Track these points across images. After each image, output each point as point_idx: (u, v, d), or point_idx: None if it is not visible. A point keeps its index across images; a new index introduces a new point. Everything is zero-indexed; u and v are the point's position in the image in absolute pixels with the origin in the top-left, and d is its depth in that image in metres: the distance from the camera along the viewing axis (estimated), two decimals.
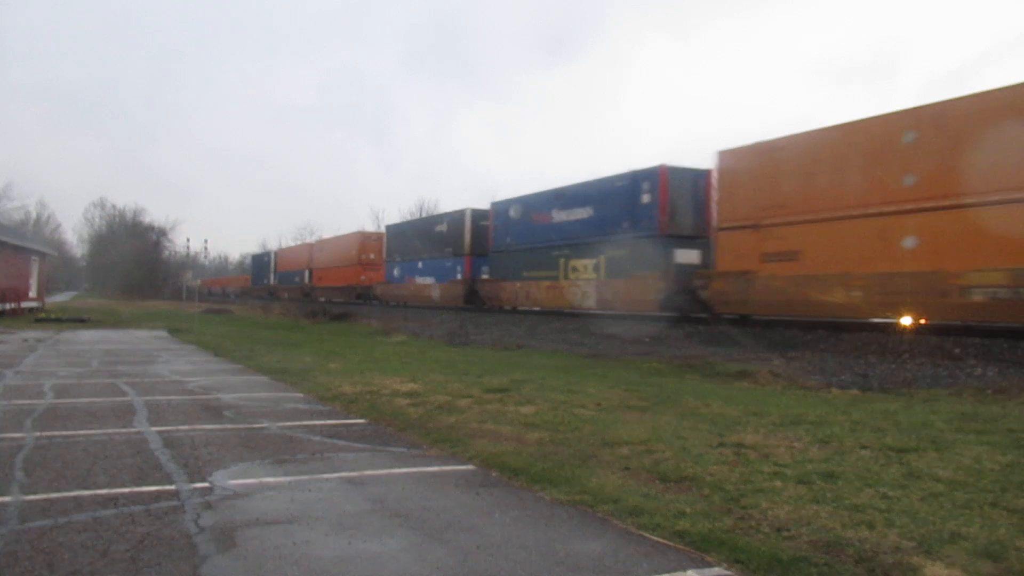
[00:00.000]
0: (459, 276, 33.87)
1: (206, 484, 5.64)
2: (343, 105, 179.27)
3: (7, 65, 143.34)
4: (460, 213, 34.90)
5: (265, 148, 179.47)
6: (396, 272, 41.43)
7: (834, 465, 6.14)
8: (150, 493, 5.37)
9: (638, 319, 22.56)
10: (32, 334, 23.82)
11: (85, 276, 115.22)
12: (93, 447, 6.93)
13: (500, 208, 31.21)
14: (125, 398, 10.18)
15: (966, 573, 3.86)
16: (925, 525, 4.58)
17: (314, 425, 8.37)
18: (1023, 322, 13.39)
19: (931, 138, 14.61)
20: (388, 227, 46.39)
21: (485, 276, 32.08)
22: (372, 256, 47.08)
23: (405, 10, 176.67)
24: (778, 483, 5.61)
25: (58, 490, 5.40)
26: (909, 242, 14.93)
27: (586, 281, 24.78)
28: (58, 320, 31.52)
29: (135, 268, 77.46)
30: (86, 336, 23.96)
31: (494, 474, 6.15)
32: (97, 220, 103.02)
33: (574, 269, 25.57)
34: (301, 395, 10.79)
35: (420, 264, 38.11)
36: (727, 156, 19.66)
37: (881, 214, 15.46)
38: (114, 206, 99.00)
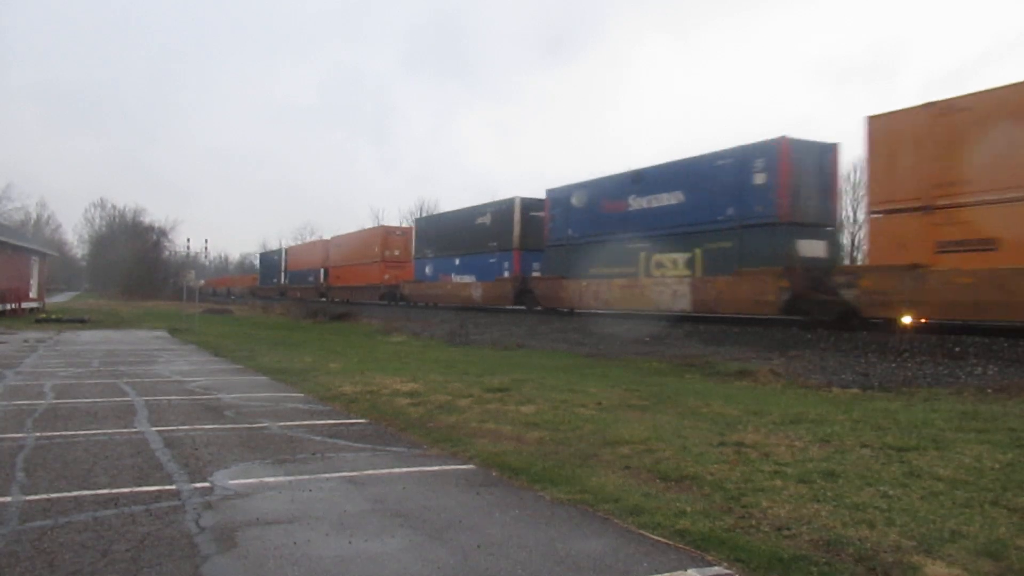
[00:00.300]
0: (507, 273, 30.24)
1: (207, 484, 5.64)
2: (343, 105, 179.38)
3: (7, 65, 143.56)
4: (507, 203, 31.06)
5: (265, 148, 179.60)
6: (428, 270, 37.51)
7: (835, 464, 6.14)
8: (151, 493, 5.37)
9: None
10: (32, 334, 23.83)
11: (85, 276, 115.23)
12: (94, 447, 6.93)
13: (558, 196, 27.08)
14: (126, 398, 10.18)
15: (966, 572, 3.86)
16: (925, 524, 4.58)
17: (315, 425, 8.37)
18: None
19: None
20: (418, 220, 42.86)
21: (536, 274, 28.68)
22: (397, 253, 43.35)
23: (405, 10, 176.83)
24: (779, 482, 5.61)
25: (59, 490, 5.40)
26: None
27: (677, 279, 21.04)
28: (58, 320, 31.53)
29: (135, 268, 77.41)
30: (86, 336, 23.97)
31: (494, 473, 6.15)
32: (97, 220, 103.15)
33: (659, 265, 21.87)
34: (301, 395, 10.79)
35: (457, 261, 34.38)
36: (881, 122, 15.90)
37: None
38: (114, 206, 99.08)
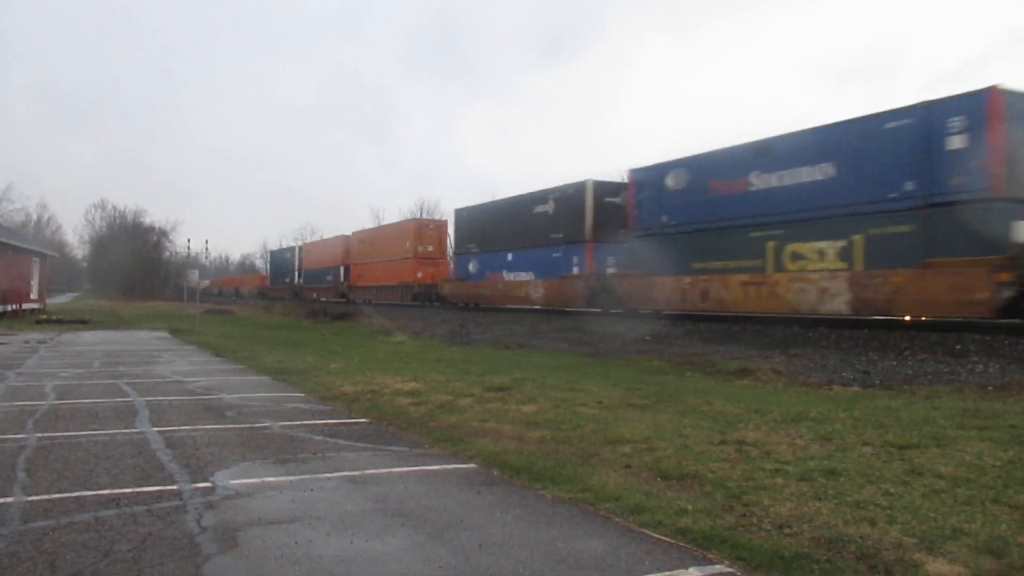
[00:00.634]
0: (576, 270, 26.20)
1: (208, 484, 5.65)
2: (343, 105, 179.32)
3: (7, 65, 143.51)
4: (576, 187, 26.57)
5: (265, 148, 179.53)
6: (472, 267, 33.47)
7: (836, 462, 6.13)
8: (152, 493, 5.37)
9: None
10: (34, 335, 23.84)
11: (86, 277, 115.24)
12: (95, 448, 6.94)
13: (647, 177, 22.85)
14: (127, 399, 10.19)
15: (968, 569, 3.85)
16: (927, 521, 4.58)
17: (316, 425, 8.38)
18: None
19: None
20: (459, 211, 36.48)
21: (612, 269, 24.76)
22: (431, 249, 39.72)
23: (405, 10, 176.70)
24: (780, 480, 5.61)
25: (60, 490, 5.40)
26: None
27: (826, 274, 16.91)
28: (59, 321, 31.55)
29: (136, 269, 77.44)
30: (87, 337, 23.98)
31: (495, 473, 6.16)
32: (98, 221, 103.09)
33: (796, 256, 17.75)
34: (302, 395, 10.80)
35: (510, 256, 30.33)
36: None
37: None
38: (115, 207, 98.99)
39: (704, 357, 15.09)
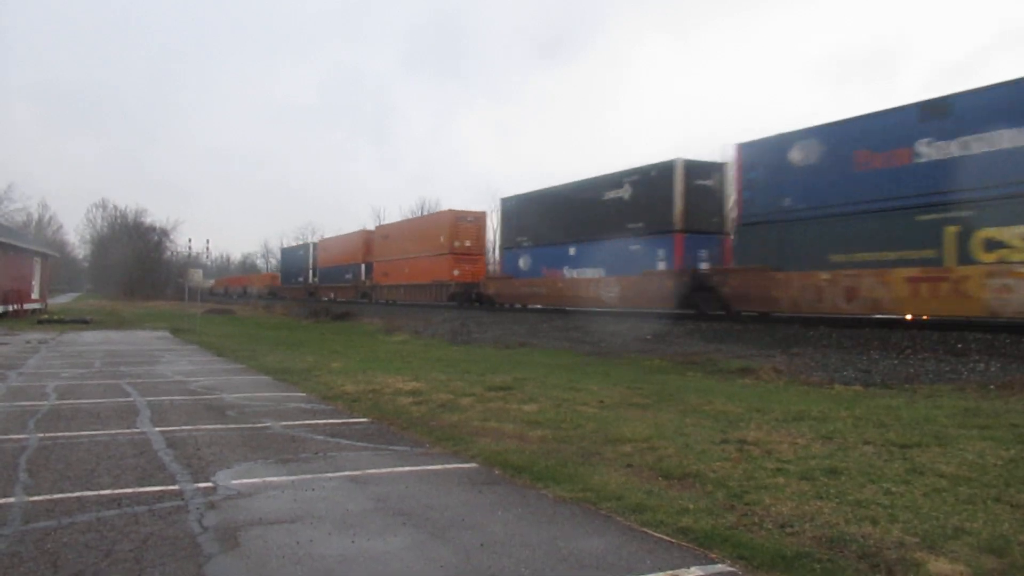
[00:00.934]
0: (662, 265, 22.21)
1: (209, 484, 5.65)
2: (343, 105, 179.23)
3: (7, 66, 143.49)
4: (663, 168, 22.40)
5: (265, 148, 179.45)
6: (524, 263, 29.32)
7: (837, 461, 6.13)
8: (153, 493, 5.37)
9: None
10: (35, 335, 23.86)
11: (87, 277, 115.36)
12: (96, 448, 6.94)
13: (762, 152, 19.11)
14: (128, 399, 10.19)
15: (970, 568, 3.85)
16: (928, 520, 4.58)
17: (317, 424, 8.38)
18: None
19: None
20: (506, 200, 31.75)
21: (705, 264, 21.62)
22: (468, 244, 35.78)
23: (405, 10, 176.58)
24: (781, 479, 5.61)
25: (62, 491, 5.41)
26: None
27: None
28: (61, 321, 31.58)
29: (137, 269, 77.52)
30: (88, 337, 24.00)
31: (497, 472, 6.15)
32: (99, 221, 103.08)
33: (991, 245, 14.06)
34: (304, 394, 10.80)
35: (572, 250, 26.19)
36: None
37: None
38: (116, 207, 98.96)
39: (705, 356, 15.09)
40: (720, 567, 3.99)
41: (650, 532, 4.56)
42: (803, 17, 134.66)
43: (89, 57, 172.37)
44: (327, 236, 58.90)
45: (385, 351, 18.63)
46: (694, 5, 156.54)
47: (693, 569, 3.95)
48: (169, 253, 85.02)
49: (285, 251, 75.09)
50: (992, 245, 14.18)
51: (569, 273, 26.63)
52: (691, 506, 4.99)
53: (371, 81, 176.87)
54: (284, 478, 5.89)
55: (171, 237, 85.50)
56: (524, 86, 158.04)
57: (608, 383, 11.51)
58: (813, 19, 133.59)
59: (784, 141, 18.44)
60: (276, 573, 3.86)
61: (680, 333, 19.23)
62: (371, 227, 43.70)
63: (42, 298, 41.84)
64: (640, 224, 23.29)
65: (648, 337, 19.02)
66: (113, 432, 7.74)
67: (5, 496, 5.24)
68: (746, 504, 5.03)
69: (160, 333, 26.54)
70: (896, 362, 13.07)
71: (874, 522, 4.57)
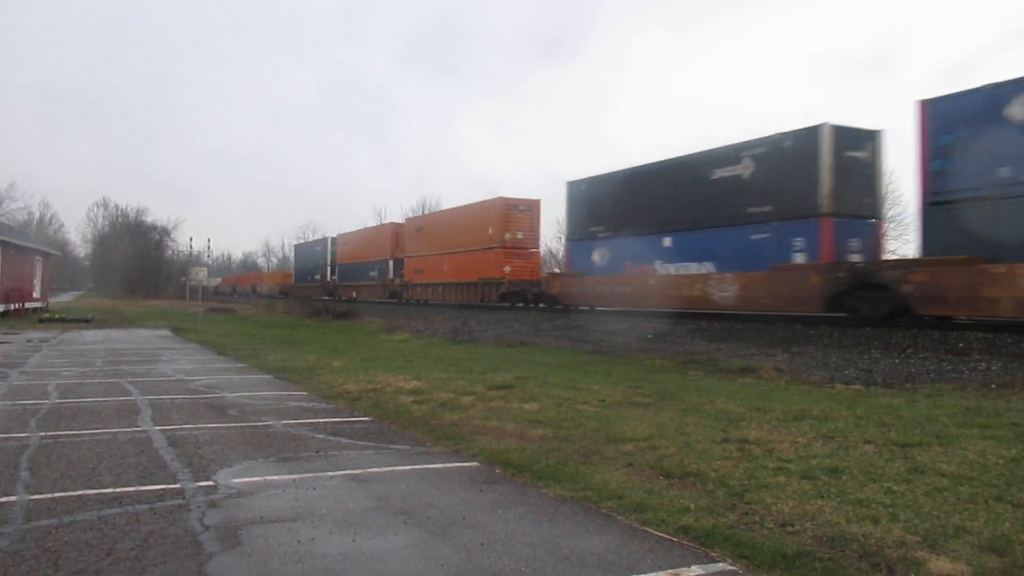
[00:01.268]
0: (800, 257, 18.02)
1: (211, 482, 5.65)
2: (343, 105, 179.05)
3: (8, 66, 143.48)
4: (802, 137, 18.26)
5: (265, 148, 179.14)
6: (599, 257, 25.02)
7: (838, 460, 6.13)
8: (155, 492, 5.38)
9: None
10: (36, 334, 23.89)
11: (88, 276, 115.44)
12: (98, 446, 6.95)
13: (962, 109, 15.03)
14: (129, 397, 10.20)
15: (971, 567, 3.85)
16: (929, 520, 4.58)
17: (318, 423, 8.38)
18: None
19: None
20: (574, 184, 27.07)
21: (856, 256, 17.72)
22: (521, 236, 31.63)
23: (405, 10, 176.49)
24: (782, 478, 5.61)
25: (63, 489, 5.41)
26: None
27: None
28: (62, 320, 31.61)
29: (138, 267, 77.54)
30: (90, 336, 24.02)
31: (498, 471, 6.16)
32: (100, 220, 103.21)
33: None
34: (305, 393, 10.81)
35: (667, 241, 22.08)
36: None
37: None
38: (117, 206, 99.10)
39: (706, 355, 15.08)
40: (721, 566, 3.98)
41: (651, 531, 4.56)
42: (803, 17, 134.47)
43: (89, 57, 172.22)
44: (346, 231, 55.03)
45: (386, 350, 18.64)
46: (694, 5, 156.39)
47: (694, 568, 3.95)
48: (170, 252, 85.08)
49: (299, 247, 70.32)
50: None
51: (663, 268, 22.25)
52: (692, 505, 4.99)
53: (371, 81, 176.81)
54: (285, 477, 5.89)
55: (172, 236, 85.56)
56: (524, 85, 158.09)
57: (609, 382, 11.51)
58: (813, 19, 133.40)
59: (997, 94, 14.40)
60: (277, 572, 3.86)
61: (681, 332, 19.22)
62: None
63: (43, 297, 41.87)
64: (767, 208, 18.99)
65: (649, 336, 19.03)
66: (114, 431, 7.74)
67: (7, 495, 5.25)
68: (747, 503, 5.03)
69: (161, 332, 26.56)
70: (897, 361, 13.06)
71: (875, 521, 4.56)
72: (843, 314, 17.46)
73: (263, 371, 13.73)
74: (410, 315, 32.06)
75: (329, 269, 54.35)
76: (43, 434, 7.51)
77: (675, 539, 4.40)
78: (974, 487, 5.29)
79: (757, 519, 4.70)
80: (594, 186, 26.12)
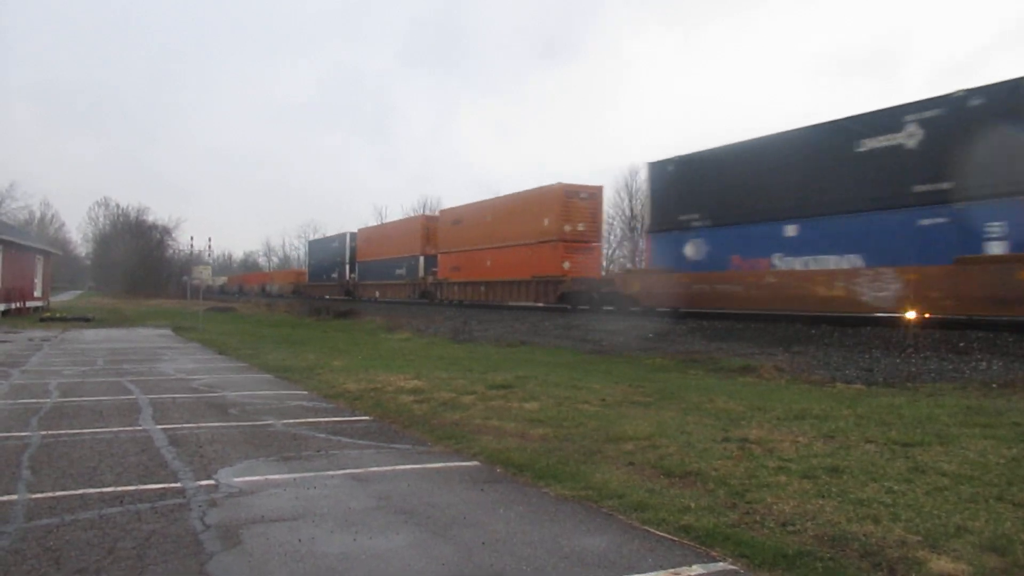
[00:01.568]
0: (999, 246, 14.37)
1: (212, 482, 5.66)
2: (343, 105, 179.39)
3: (8, 65, 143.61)
4: (1000, 90, 14.50)
5: (265, 148, 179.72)
6: (693, 250, 21.46)
7: (839, 459, 6.13)
8: (156, 491, 5.38)
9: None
10: (37, 333, 23.90)
11: (89, 275, 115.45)
12: (99, 445, 6.95)
13: None
14: (130, 396, 10.21)
15: (972, 567, 3.85)
16: (930, 519, 4.57)
17: (319, 422, 8.39)
18: None
19: None
20: (658, 165, 23.40)
21: None
22: (582, 227, 27.74)
23: (405, 10, 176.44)
24: (783, 478, 5.61)
25: (64, 488, 5.42)
26: None
27: None
28: (63, 319, 31.62)
29: (139, 267, 77.52)
30: (91, 335, 24.03)
31: (499, 470, 6.16)
32: (101, 219, 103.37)
33: None
34: (305, 392, 10.81)
35: (791, 229, 18.43)
36: None
37: None
38: (118, 205, 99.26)
39: (707, 355, 15.08)
40: (721, 565, 3.99)
41: (651, 530, 4.56)
42: (803, 17, 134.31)
43: (89, 57, 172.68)
44: (367, 225, 52.35)
45: (387, 349, 18.64)
46: (694, 4, 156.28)
47: (695, 567, 3.95)
48: (171, 251, 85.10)
49: (314, 243, 66.06)
50: None
51: (786, 263, 18.51)
52: (692, 504, 4.99)
53: (371, 80, 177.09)
54: (286, 476, 5.90)
55: (173, 235, 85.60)
56: (524, 85, 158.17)
57: (610, 381, 11.50)
58: (813, 18, 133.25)
59: None
60: (278, 571, 3.86)
61: (682, 331, 19.22)
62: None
63: (44, 296, 41.87)
64: (944, 185, 15.18)
65: (650, 336, 19.02)
66: (115, 430, 7.75)
67: (8, 493, 5.25)
68: (748, 502, 5.03)
69: (162, 331, 26.56)
70: (898, 360, 13.05)
71: (876, 521, 4.56)
72: None
73: (264, 370, 13.73)
74: (411, 314, 31.99)
75: (348, 267, 50.79)
76: (44, 433, 7.51)
77: (676, 538, 4.40)
78: (975, 487, 5.29)
79: (758, 518, 4.70)
80: (686, 167, 22.12)
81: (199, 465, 6.20)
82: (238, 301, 61.88)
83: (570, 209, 27.76)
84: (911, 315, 15.73)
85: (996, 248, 14.34)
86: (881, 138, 16.61)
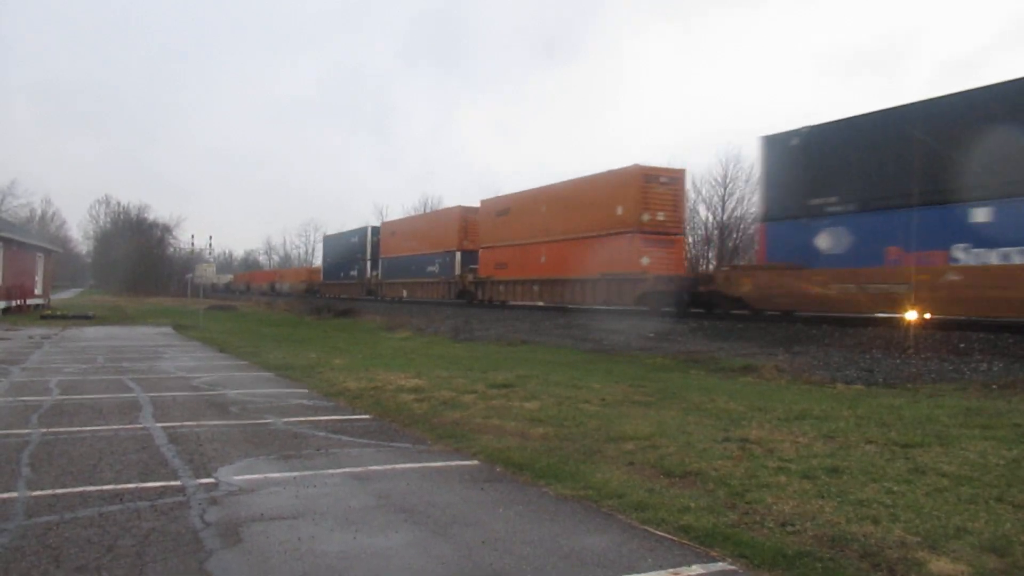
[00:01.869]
0: None
1: (211, 480, 5.66)
2: (344, 104, 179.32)
3: (9, 65, 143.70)
4: None
5: (266, 147, 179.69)
6: (827, 241, 17.52)
7: (839, 460, 6.13)
8: (156, 489, 5.38)
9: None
10: (38, 331, 23.91)
11: (90, 273, 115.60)
12: (99, 443, 6.96)
13: None
14: (130, 394, 10.21)
15: (971, 568, 3.85)
16: (930, 520, 4.57)
17: (319, 421, 8.39)
18: None
19: None
20: (773, 139, 19.53)
21: None
22: (662, 217, 23.65)
23: (406, 9, 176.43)
24: (783, 478, 5.60)
25: (64, 486, 5.42)
26: None
27: None
28: (63, 317, 31.64)
29: (140, 265, 77.61)
30: (91, 333, 24.04)
31: (499, 469, 6.16)
32: (102, 217, 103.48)
33: None
34: (306, 391, 10.81)
35: (983, 213, 14.47)
36: None
37: None
38: (118, 203, 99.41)
39: (708, 354, 15.08)
40: (721, 565, 3.98)
41: (651, 530, 4.56)
42: (803, 16, 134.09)
43: (90, 56, 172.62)
44: (391, 219, 48.46)
45: (387, 348, 18.64)
46: (695, 3, 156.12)
47: (694, 567, 3.95)
48: (172, 249, 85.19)
49: (330, 239, 60.11)
50: None
51: (971, 256, 14.63)
52: (692, 504, 4.99)
53: (371, 80, 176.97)
54: (286, 474, 5.90)
55: (174, 233, 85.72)
56: (525, 85, 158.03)
57: (610, 381, 11.50)
58: (813, 18, 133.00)
59: None
60: (278, 569, 3.86)
61: (683, 331, 19.21)
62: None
63: (45, 294, 41.89)
64: None
65: (650, 335, 19.01)
66: (115, 427, 7.75)
67: (8, 491, 5.26)
68: (747, 503, 5.03)
69: (163, 329, 26.57)
70: (898, 361, 13.05)
71: (876, 521, 4.56)
72: None
73: (264, 368, 13.74)
74: (411, 313, 31.97)
75: (369, 264, 46.83)
76: (44, 430, 7.52)
77: (675, 538, 4.40)
78: (975, 488, 5.29)
79: (758, 519, 4.70)
80: (818, 140, 18.16)
81: (199, 463, 6.20)
82: (242, 299, 61.50)
83: (650, 196, 23.66)
84: None
85: None
86: None
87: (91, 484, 5.47)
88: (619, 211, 24.11)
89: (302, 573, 3.81)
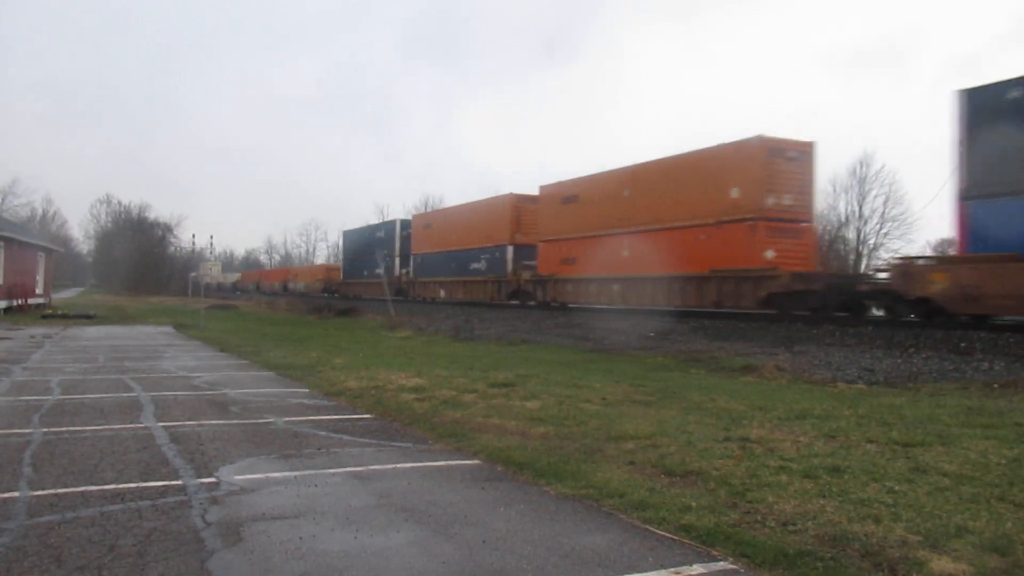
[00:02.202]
0: None
1: (212, 479, 5.66)
2: (344, 103, 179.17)
3: (10, 63, 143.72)
4: None
5: (266, 146, 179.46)
6: None
7: (840, 459, 6.13)
8: (157, 488, 5.39)
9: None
10: (39, 330, 23.92)
11: (91, 272, 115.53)
12: (100, 442, 6.96)
13: None
14: (131, 394, 10.22)
15: (972, 567, 3.85)
16: (931, 519, 4.57)
17: (320, 420, 8.39)
18: None
19: None
20: (972, 92, 14.85)
21: None
22: (788, 201, 19.36)
23: (406, 8, 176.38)
24: (784, 477, 5.60)
25: (65, 485, 5.42)
26: None
27: None
28: (64, 316, 31.65)
29: (141, 264, 77.52)
30: (92, 332, 24.05)
31: (499, 468, 6.16)
32: (103, 216, 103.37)
33: None
34: (307, 390, 10.82)
35: None
36: None
37: None
38: (120, 202, 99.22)
39: (708, 354, 15.07)
40: (722, 565, 3.99)
41: (652, 529, 4.56)
42: (803, 15, 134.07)
43: (90, 55, 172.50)
44: (425, 211, 44.03)
45: (388, 347, 18.65)
46: (696, 2, 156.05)
47: (695, 567, 3.95)
48: (173, 249, 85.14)
49: (351, 233, 54.60)
50: None
51: None
52: (693, 504, 4.99)
53: (372, 79, 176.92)
54: (287, 474, 5.90)
55: (175, 233, 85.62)
56: (526, 84, 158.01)
57: (611, 380, 11.50)
58: (813, 17, 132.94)
59: None
60: (278, 568, 3.87)
61: (683, 331, 19.21)
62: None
63: (46, 293, 41.90)
64: None
65: (651, 334, 19.00)
66: (117, 427, 7.76)
67: (9, 491, 5.26)
68: (748, 502, 5.03)
69: (164, 328, 26.58)
70: (899, 360, 13.04)
71: (877, 520, 4.56)
72: None
73: (265, 368, 13.74)
74: (411, 312, 31.97)
75: (399, 260, 42.42)
76: (46, 430, 7.52)
77: (676, 537, 4.40)
78: (976, 487, 5.29)
79: (759, 518, 4.70)
80: None
81: (200, 462, 6.20)
82: (243, 299, 61.35)
83: (775, 174, 19.17)
84: None
85: None
86: None
87: (92, 484, 5.48)
88: (734, 194, 19.74)
89: (303, 572, 3.82)
